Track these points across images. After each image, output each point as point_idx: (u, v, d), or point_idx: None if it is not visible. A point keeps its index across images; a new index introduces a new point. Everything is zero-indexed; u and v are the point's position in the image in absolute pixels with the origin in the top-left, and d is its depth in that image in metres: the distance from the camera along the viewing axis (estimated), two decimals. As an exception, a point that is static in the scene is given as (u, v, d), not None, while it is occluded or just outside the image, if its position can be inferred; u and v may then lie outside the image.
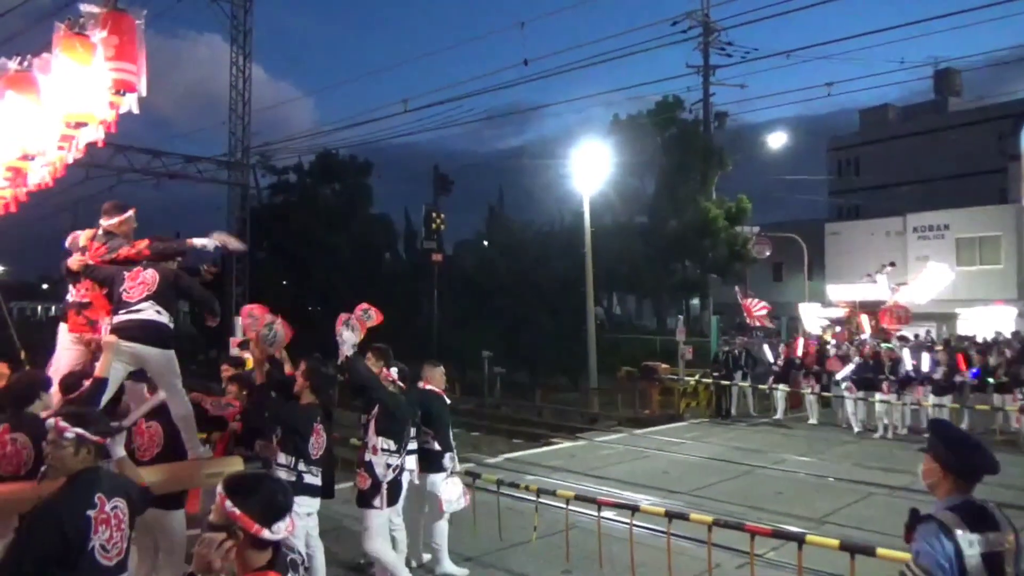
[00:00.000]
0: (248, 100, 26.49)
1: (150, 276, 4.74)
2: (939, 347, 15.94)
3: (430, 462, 6.41)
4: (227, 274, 26.85)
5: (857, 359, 14.35)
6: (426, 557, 6.70)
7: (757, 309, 18.46)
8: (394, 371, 6.22)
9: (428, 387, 6.68)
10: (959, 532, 2.80)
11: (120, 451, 3.64)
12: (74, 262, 4.92)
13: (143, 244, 4.88)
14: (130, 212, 5.10)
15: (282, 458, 5.47)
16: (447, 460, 6.55)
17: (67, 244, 5.18)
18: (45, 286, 53.04)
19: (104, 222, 5.07)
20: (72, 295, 5.18)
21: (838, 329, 18.84)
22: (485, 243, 37.34)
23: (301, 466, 5.44)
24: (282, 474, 5.47)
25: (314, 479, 5.57)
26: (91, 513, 2.93)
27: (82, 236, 5.06)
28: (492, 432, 17.13)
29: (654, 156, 29.16)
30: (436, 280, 31.22)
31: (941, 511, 2.90)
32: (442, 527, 6.57)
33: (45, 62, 4.01)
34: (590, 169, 21.84)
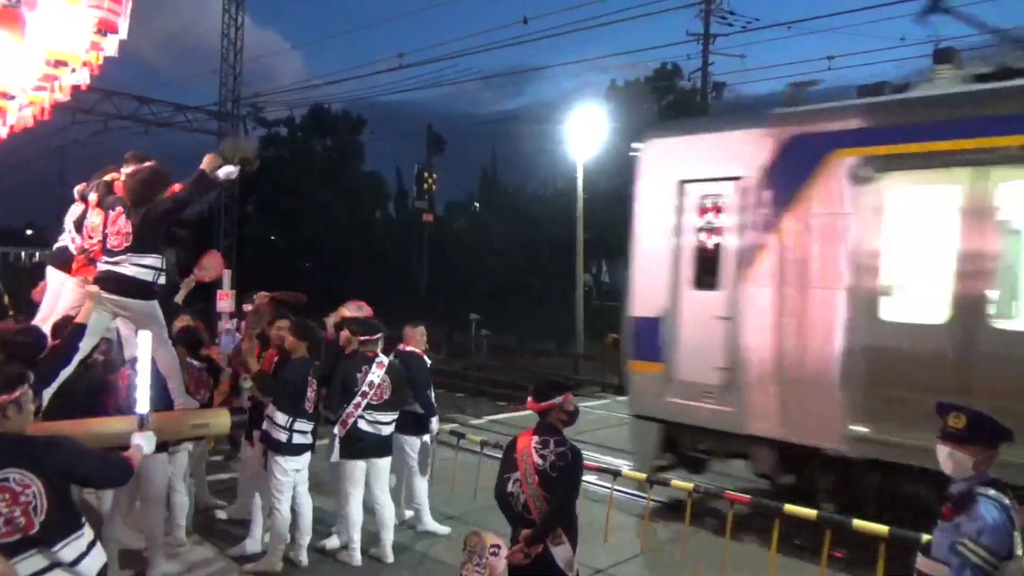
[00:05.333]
0: (240, 49, 25.95)
1: (124, 223, 4.58)
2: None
3: (409, 424, 6.39)
4: (215, 227, 26.64)
5: None
6: (408, 514, 6.76)
7: None
8: None
9: (408, 348, 6.61)
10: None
11: (145, 447, 3.42)
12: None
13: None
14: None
15: (280, 418, 5.51)
16: (434, 424, 6.52)
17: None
18: (29, 231, 52.46)
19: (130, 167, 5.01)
20: (76, 241, 5.12)
21: None
22: (476, 205, 37.13)
23: (296, 424, 5.51)
24: (279, 435, 5.51)
25: (303, 438, 5.63)
26: None
27: (112, 174, 5.01)
28: (477, 394, 17.20)
29: (651, 124, 28.92)
30: (426, 240, 31.10)
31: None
32: (422, 487, 6.63)
33: (31, -2, 3.88)
34: (585, 135, 21.66)
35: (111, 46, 4.03)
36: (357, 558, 5.82)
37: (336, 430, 5.84)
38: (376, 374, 5.82)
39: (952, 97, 6.18)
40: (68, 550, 2.84)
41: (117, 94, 22.90)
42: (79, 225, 5.13)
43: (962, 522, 2.85)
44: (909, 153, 6.02)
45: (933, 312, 5.86)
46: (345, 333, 6.17)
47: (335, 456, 5.87)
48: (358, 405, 5.75)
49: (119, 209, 4.59)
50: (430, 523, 6.64)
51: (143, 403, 3.65)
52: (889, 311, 6.06)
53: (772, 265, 6.64)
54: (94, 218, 4.90)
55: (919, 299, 6.13)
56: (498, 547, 3.28)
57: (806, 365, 6.39)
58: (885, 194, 6.14)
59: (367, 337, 5.93)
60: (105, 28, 3.87)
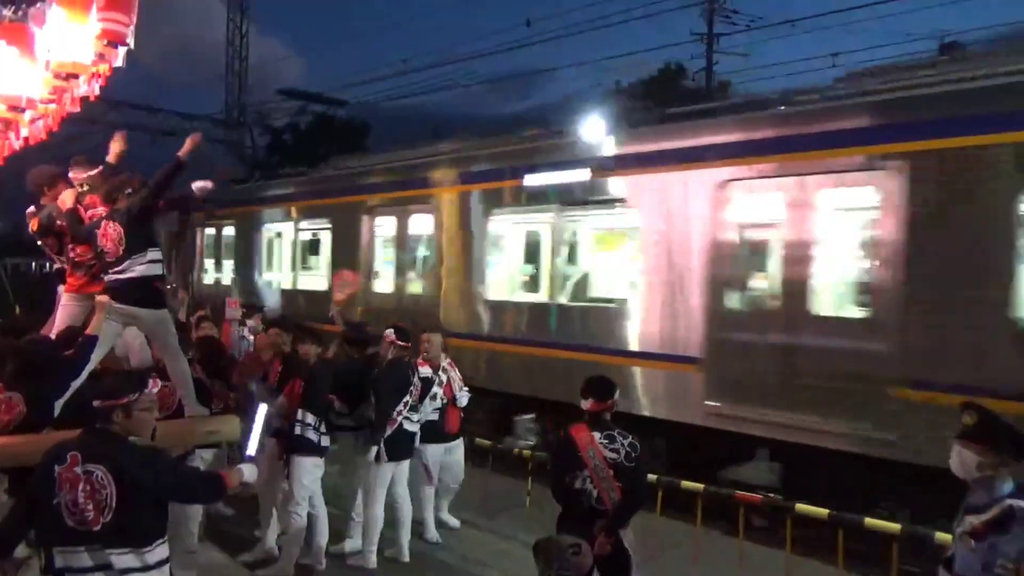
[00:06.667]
0: (245, 58, 26.08)
1: (113, 230, 4.50)
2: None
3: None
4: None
5: None
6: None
7: None
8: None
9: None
10: None
11: (247, 474, 3.46)
12: (70, 195, 4.80)
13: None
14: (100, 168, 5.00)
15: (310, 418, 5.53)
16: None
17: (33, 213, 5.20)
18: (40, 242, 52.57)
19: (80, 175, 4.98)
20: (62, 256, 5.16)
21: None
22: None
23: (321, 427, 5.61)
24: (310, 434, 5.53)
25: (327, 439, 5.74)
26: (57, 467, 2.89)
27: (68, 196, 4.84)
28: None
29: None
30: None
31: None
32: (428, 492, 6.56)
33: (39, 12, 3.93)
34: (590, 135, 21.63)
35: (119, 57, 4.06)
36: (372, 560, 5.81)
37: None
38: (420, 373, 6.14)
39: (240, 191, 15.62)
40: (122, 559, 2.88)
41: (123, 104, 23.03)
42: (53, 246, 5.18)
43: (1000, 541, 2.65)
44: (221, 214, 15.21)
45: (287, 282, 13.64)
46: None
47: (372, 457, 5.81)
48: (406, 404, 5.88)
49: (103, 223, 4.56)
50: (431, 529, 6.59)
51: (253, 443, 3.87)
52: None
53: (231, 261, 15.71)
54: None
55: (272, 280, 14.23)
56: (578, 546, 3.18)
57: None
58: (221, 231, 15.90)
59: (408, 343, 6.09)
60: (113, 39, 3.89)
